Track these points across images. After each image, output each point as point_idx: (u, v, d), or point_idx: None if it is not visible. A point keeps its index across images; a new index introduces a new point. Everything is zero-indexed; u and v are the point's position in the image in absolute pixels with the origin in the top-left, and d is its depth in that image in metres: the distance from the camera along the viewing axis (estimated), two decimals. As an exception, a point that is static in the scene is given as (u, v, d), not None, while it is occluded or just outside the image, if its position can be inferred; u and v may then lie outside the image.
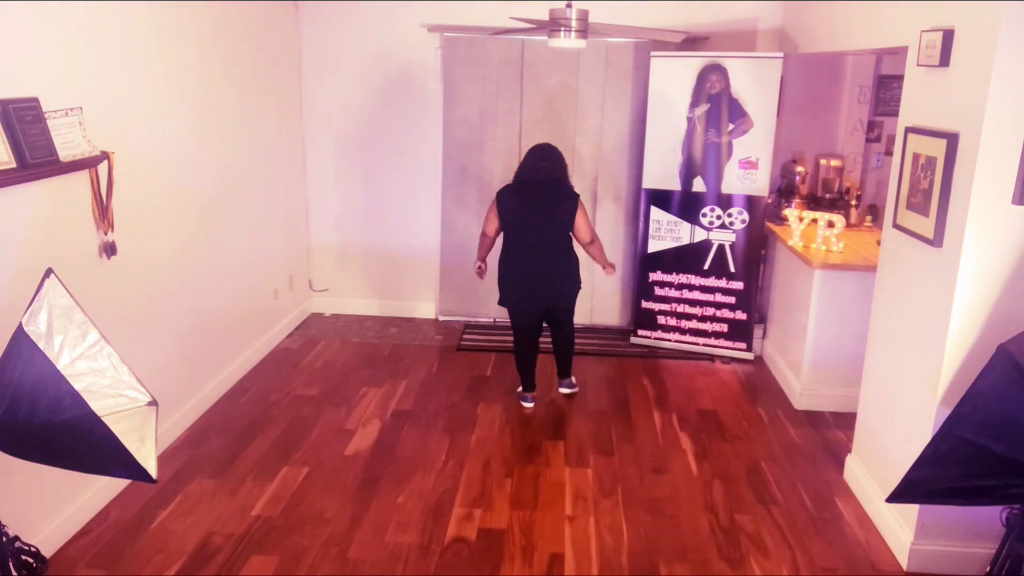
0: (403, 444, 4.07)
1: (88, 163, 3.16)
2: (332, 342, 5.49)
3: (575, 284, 4.42)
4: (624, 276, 5.78)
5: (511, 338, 4.60)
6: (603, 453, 4.03)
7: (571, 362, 4.67)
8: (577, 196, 4.30)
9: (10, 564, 2.43)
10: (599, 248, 4.44)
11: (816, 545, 3.32)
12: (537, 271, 4.31)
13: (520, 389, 4.59)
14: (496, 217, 4.33)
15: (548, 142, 4.42)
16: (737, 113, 5.05)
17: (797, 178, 5.41)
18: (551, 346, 4.67)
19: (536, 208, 4.26)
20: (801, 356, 4.56)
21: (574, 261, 4.38)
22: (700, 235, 5.29)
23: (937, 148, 3.02)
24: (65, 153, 2.99)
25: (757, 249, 5.22)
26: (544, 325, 4.56)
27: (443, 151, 5.70)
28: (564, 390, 4.65)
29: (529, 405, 4.52)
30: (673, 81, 5.14)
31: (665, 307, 5.46)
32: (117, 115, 3.47)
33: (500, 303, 4.46)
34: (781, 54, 4.99)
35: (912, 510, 3.16)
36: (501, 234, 4.41)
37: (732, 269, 5.25)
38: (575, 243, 4.38)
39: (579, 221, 4.27)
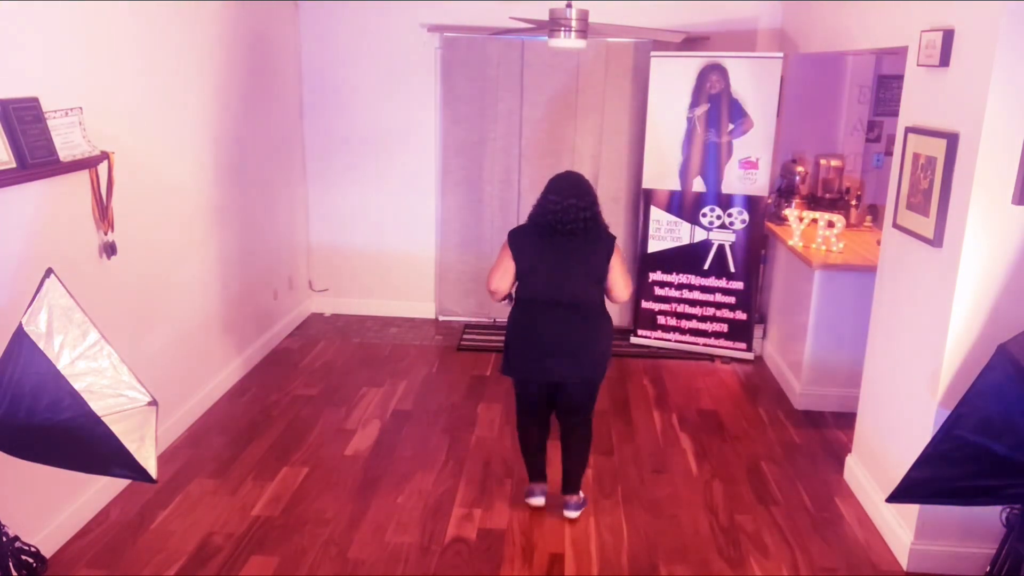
0: (403, 444, 4.07)
1: (88, 163, 3.16)
2: (332, 342, 5.49)
3: (605, 358, 3.37)
4: (624, 276, 5.77)
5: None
6: (603, 453, 4.03)
7: (583, 473, 3.52)
8: (613, 238, 3.33)
9: (10, 564, 2.43)
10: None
11: (816, 545, 3.31)
12: (558, 335, 3.27)
13: (529, 482, 3.56)
14: (511, 266, 3.31)
15: (573, 171, 3.44)
16: (737, 113, 5.05)
17: (797, 178, 5.41)
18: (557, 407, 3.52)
19: (563, 255, 3.27)
20: (801, 356, 4.56)
21: (607, 323, 3.38)
22: (700, 235, 5.28)
23: (937, 148, 3.02)
24: (65, 153, 2.99)
25: (757, 249, 5.22)
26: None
27: (443, 151, 5.70)
28: (570, 513, 3.45)
29: (539, 502, 3.50)
30: (673, 81, 5.14)
31: (665, 307, 5.46)
32: (117, 115, 3.47)
33: (503, 372, 3.43)
34: (781, 54, 4.99)
35: (912, 510, 3.15)
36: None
37: (732, 269, 5.25)
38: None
39: (615, 270, 3.29)
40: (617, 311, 5.82)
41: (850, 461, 3.82)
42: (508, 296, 3.43)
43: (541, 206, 3.31)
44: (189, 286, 4.17)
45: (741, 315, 5.28)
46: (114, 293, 3.47)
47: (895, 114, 3.69)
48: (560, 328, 3.28)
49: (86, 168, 3.18)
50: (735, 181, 5.13)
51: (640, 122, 5.45)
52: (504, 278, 3.34)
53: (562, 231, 3.25)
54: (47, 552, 2.96)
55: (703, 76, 5.08)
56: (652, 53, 5.20)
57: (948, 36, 3.00)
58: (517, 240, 3.34)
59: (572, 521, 3.43)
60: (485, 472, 3.82)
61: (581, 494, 3.50)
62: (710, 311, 5.35)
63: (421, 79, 5.64)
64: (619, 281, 3.33)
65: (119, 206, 3.43)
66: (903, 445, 3.25)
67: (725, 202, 5.18)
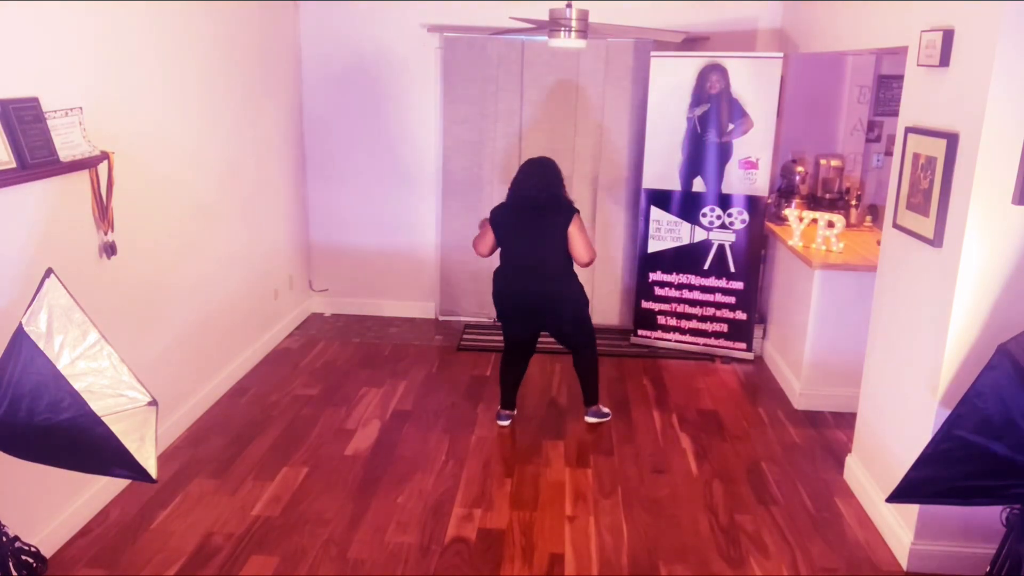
0: (403, 444, 4.07)
1: (88, 163, 3.16)
2: (332, 342, 5.49)
3: (577, 303, 4.13)
4: (624, 276, 5.78)
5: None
6: (603, 453, 4.03)
7: (596, 388, 4.32)
8: (574, 211, 4.00)
9: (10, 564, 2.43)
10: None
11: (816, 545, 3.32)
12: (530, 291, 4.06)
13: (501, 408, 4.35)
14: (490, 235, 4.11)
15: (543, 155, 4.19)
16: (737, 113, 5.05)
17: (797, 178, 5.41)
18: (552, 346, 4.51)
19: (529, 225, 4.02)
20: (801, 356, 4.56)
21: (571, 279, 4.09)
22: (700, 235, 5.28)
23: (937, 148, 3.02)
24: (65, 153, 2.99)
25: (757, 249, 5.22)
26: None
27: (443, 151, 5.70)
28: (590, 419, 4.31)
29: (504, 423, 4.28)
30: (673, 81, 5.14)
31: (665, 307, 5.46)
32: (117, 115, 3.47)
33: (496, 319, 4.37)
34: (781, 54, 4.99)
35: (912, 510, 3.16)
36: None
37: (732, 269, 5.25)
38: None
39: (573, 236, 3.96)
40: (617, 311, 5.84)
41: (850, 461, 3.82)
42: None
43: (512, 188, 4.10)
44: (189, 286, 4.17)
45: (741, 315, 5.28)
46: (114, 293, 3.47)
47: (895, 114, 3.70)
48: (533, 287, 4.06)
49: (86, 168, 3.18)
50: (735, 181, 5.13)
51: (640, 122, 5.45)
52: (485, 245, 4.18)
53: (527, 205, 4.01)
54: (47, 552, 2.97)
55: (703, 76, 5.08)
56: (652, 53, 5.20)
57: (948, 36, 3.00)
58: (496, 216, 4.12)
59: (571, 519, 3.43)
60: (485, 472, 3.82)
61: (601, 406, 4.35)
62: (710, 311, 5.35)
63: (421, 79, 5.64)
64: (577, 245, 3.99)
65: (119, 206, 3.43)
66: (903, 445, 3.25)
67: (725, 202, 5.18)
